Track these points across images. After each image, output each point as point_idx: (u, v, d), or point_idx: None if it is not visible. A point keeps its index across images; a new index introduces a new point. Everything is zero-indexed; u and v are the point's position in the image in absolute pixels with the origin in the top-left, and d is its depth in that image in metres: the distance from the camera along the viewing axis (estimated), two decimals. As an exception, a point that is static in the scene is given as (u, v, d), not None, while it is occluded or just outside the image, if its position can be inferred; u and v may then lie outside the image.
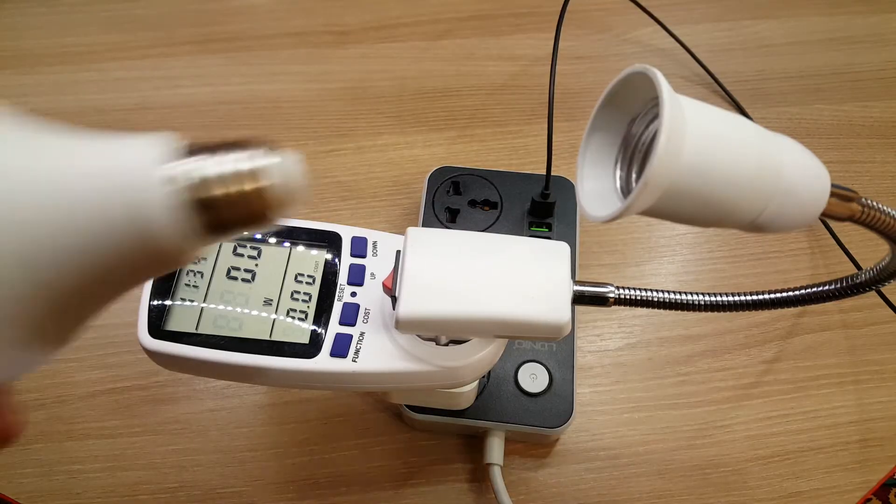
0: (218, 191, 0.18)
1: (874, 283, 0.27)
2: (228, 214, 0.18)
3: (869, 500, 0.43)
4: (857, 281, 0.27)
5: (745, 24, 0.62)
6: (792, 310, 0.49)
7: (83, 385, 0.44)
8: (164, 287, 0.32)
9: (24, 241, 0.17)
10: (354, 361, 0.31)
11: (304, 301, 0.32)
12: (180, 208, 0.18)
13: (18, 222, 0.17)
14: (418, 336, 0.31)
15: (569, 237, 0.47)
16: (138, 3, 0.63)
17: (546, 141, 0.46)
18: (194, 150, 0.18)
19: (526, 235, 0.46)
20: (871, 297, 0.48)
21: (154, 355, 0.31)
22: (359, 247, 0.34)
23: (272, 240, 0.34)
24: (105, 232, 0.17)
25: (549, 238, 0.45)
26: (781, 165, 0.21)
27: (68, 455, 0.42)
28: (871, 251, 0.50)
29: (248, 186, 0.18)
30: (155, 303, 0.32)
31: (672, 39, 0.59)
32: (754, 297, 0.29)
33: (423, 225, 0.47)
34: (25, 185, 0.17)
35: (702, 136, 0.19)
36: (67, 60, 0.59)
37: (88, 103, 0.57)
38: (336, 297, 0.32)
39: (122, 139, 0.18)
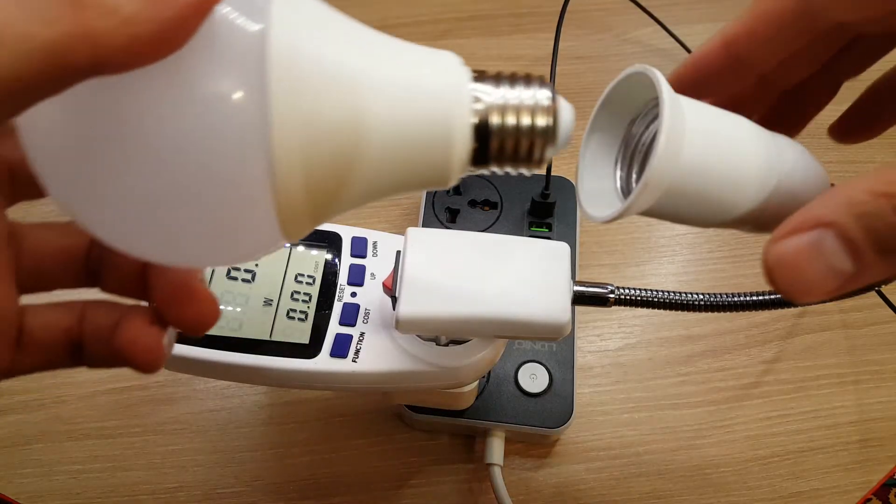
0: (496, 119, 0.18)
1: (873, 284, 0.27)
2: (499, 145, 0.18)
3: (869, 500, 0.43)
4: None
5: (745, 24, 0.62)
6: (792, 310, 0.49)
7: (83, 385, 0.44)
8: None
9: (354, 133, 0.17)
10: (354, 362, 0.31)
11: (304, 301, 0.32)
12: (470, 129, 0.18)
13: (366, 114, 0.17)
14: (418, 336, 0.31)
15: (569, 237, 0.47)
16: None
17: (546, 141, 0.46)
18: (484, 76, 0.19)
19: (526, 235, 0.46)
20: (871, 298, 0.48)
21: None
22: (359, 247, 0.34)
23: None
24: (421, 137, 0.17)
25: (549, 238, 0.45)
26: (781, 165, 0.21)
27: (68, 455, 0.42)
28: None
29: (526, 121, 0.18)
30: None
31: (672, 39, 0.59)
32: (754, 297, 0.29)
33: (423, 225, 0.47)
34: (380, 82, 0.17)
35: (701, 136, 0.19)
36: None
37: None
38: (336, 298, 0.32)
39: (429, 49, 0.18)
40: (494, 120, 0.18)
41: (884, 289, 0.48)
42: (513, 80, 0.19)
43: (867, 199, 0.18)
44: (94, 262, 0.22)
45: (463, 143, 0.18)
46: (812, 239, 0.18)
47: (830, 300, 0.20)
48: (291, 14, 0.16)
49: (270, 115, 0.15)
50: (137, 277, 0.22)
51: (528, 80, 0.19)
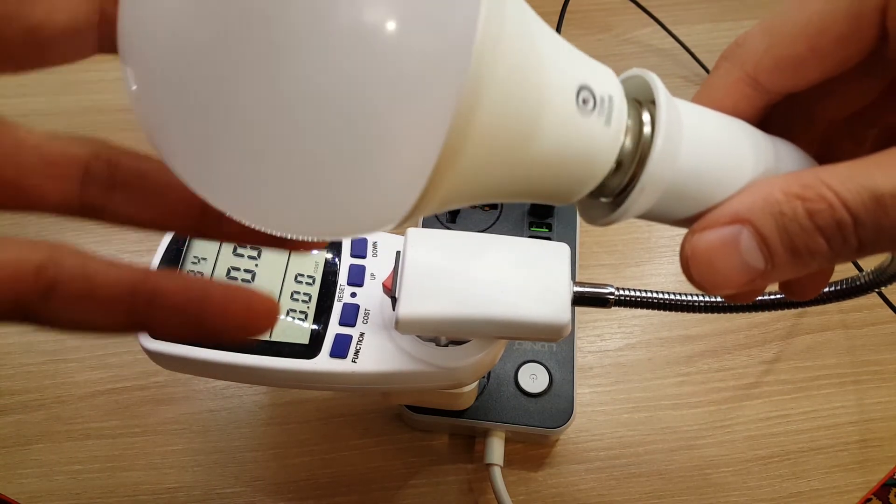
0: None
1: (874, 285, 0.27)
2: (620, 175, 0.19)
3: (869, 500, 0.43)
4: (858, 283, 0.27)
5: (745, 24, 0.62)
6: (792, 310, 0.49)
7: (83, 385, 0.44)
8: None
9: (530, 120, 0.16)
10: (354, 362, 0.31)
11: (303, 302, 0.32)
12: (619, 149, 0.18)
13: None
14: (418, 337, 0.31)
15: (569, 237, 0.47)
16: (138, 2, 0.63)
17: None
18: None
19: (526, 236, 0.46)
20: (871, 298, 0.48)
21: (154, 355, 0.31)
22: (359, 247, 0.34)
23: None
24: (580, 144, 0.17)
25: (549, 238, 0.45)
26: (778, 169, 0.21)
27: (68, 455, 0.42)
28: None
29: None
30: None
31: (672, 39, 0.59)
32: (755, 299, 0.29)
33: (423, 225, 0.47)
34: (558, 79, 0.17)
35: (698, 139, 0.19)
36: (67, 60, 0.58)
37: (88, 103, 0.57)
38: (336, 298, 0.32)
39: (592, 60, 0.19)
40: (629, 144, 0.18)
41: (884, 289, 0.48)
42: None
43: (783, 200, 0.18)
44: (96, 186, 0.18)
45: (609, 162, 0.18)
46: (728, 234, 0.19)
47: (743, 297, 0.20)
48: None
49: (473, 56, 0.14)
50: (193, 207, 0.18)
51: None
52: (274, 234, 0.16)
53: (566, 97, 0.17)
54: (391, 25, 0.13)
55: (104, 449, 0.43)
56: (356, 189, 0.15)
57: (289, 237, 0.17)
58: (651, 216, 0.20)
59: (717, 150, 0.20)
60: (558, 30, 0.55)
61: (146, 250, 0.50)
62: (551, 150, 0.17)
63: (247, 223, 0.16)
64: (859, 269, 0.49)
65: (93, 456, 0.42)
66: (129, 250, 0.49)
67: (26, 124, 0.18)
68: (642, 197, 0.19)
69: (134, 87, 0.15)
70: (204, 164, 0.15)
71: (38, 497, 0.41)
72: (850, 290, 0.28)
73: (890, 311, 0.47)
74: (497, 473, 0.40)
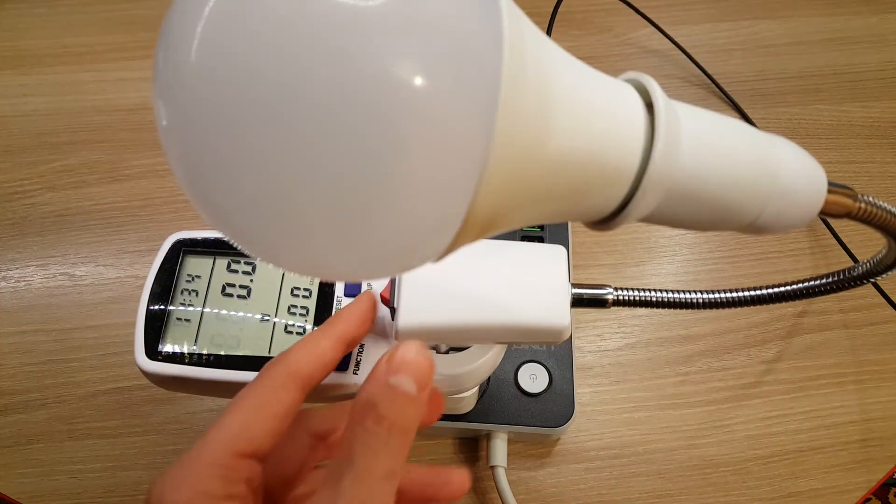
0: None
1: (871, 275, 0.27)
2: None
3: (869, 499, 0.43)
4: (855, 273, 0.27)
5: (745, 25, 0.62)
6: (792, 310, 0.49)
7: (84, 385, 0.44)
8: (160, 306, 0.31)
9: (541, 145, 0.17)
10: (355, 374, 0.30)
11: (301, 315, 0.32)
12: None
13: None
14: (418, 343, 0.31)
15: (560, 235, 0.47)
16: (138, 3, 0.63)
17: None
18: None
19: (518, 236, 0.46)
20: (871, 297, 0.48)
21: (152, 377, 0.31)
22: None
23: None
24: (606, 165, 0.18)
25: (541, 238, 0.45)
26: (778, 167, 0.21)
27: (69, 455, 0.42)
28: (871, 249, 0.50)
29: None
30: (151, 322, 0.31)
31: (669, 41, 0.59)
32: (752, 293, 0.29)
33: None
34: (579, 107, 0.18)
35: (697, 141, 0.19)
36: (67, 60, 0.59)
37: (88, 103, 0.57)
38: (333, 310, 0.32)
39: (612, 80, 0.19)
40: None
41: (885, 288, 0.48)
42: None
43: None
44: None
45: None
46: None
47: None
48: (520, 22, 0.16)
49: (498, 104, 0.15)
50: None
51: None
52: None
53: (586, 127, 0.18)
54: (419, 78, 0.14)
55: (105, 448, 0.43)
56: (397, 231, 0.16)
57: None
58: (653, 219, 0.20)
59: (716, 150, 0.20)
60: (549, 30, 0.55)
61: (147, 250, 0.50)
62: (576, 168, 0.18)
63: (298, 272, 0.18)
64: (855, 260, 0.49)
65: (93, 455, 0.43)
66: (128, 250, 0.49)
67: (26, 123, 0.18)
68: (644, 200, 0.19)
69: (165, 123, 0.16)
70: (263, 231, 0.16)
71: (38, 496, 0.41)
72: (847, 281, 0.28)
73: (891, 310, 0.47)
74: (501, 475, 0.40)
